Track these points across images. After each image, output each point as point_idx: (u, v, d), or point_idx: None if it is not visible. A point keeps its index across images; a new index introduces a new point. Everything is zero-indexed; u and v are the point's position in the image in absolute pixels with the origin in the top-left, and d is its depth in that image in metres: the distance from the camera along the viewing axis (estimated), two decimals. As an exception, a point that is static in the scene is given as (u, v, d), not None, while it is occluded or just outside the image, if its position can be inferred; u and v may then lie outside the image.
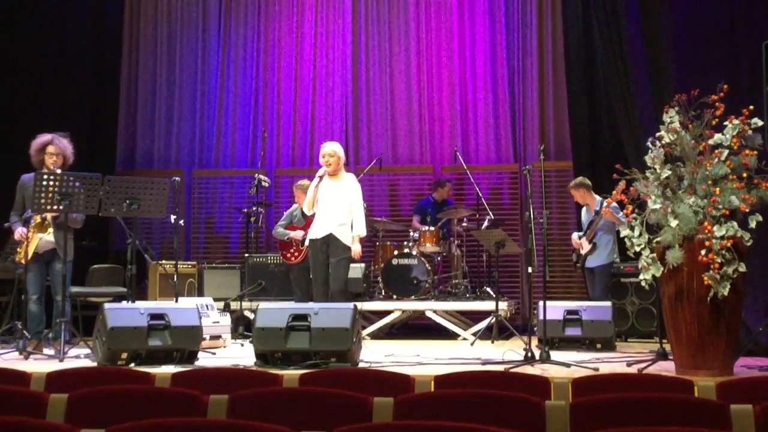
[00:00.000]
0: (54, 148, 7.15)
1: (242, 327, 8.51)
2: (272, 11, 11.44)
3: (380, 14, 11.18)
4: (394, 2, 11.17)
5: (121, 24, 11.21)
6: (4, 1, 9.88)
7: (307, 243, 7.66)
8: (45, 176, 6.70)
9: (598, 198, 8.35)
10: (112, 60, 11.01)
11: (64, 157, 7.21)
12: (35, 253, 7.03)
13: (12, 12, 10.00)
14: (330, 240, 7.41)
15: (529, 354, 6.22)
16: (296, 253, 8.55)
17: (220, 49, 11.45)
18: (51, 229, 7.00)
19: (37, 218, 6.94)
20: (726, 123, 5.68)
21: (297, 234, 8.57)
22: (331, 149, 7.56)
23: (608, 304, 7.71)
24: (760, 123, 5.68)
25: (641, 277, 5.79)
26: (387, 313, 9.06)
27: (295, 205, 9.10)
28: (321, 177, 7.49)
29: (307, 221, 8.41)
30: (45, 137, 7.21)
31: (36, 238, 6.99)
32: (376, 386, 4.15)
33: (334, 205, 7.45)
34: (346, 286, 7.50)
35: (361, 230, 7.56)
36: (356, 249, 7.50)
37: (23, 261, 6.98)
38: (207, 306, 7.79)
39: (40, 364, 6.03)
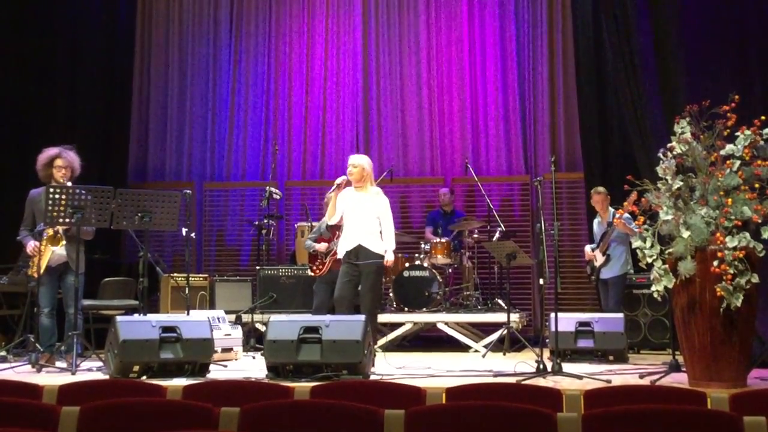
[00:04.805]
0: (62, 161, 7.19)
1: (254, 339, 8.51)
2: (283, 24, 11.48)
3: (390, 27, 11.21)
4: (405, 15, 11.20)
5: (132, 37, 11.26)
6: (15, 14, 9.95)
7: (340, 256, 7.63)
8: (56, 189, 6.74)
9: (611, 209, 8.34)
10: (124, 73, 11.06)
11: (72, 169, 7.25)
12: (48, 266, 7.06)
13: (24, 26, 10.06)
14: (359, 250, 7.38)
15: (541, 366, 6.20)
16: (320, 266, 8.51)
17: (231, 61, 11.49)
18: (63, 242, 7.03)
19: (50, 231, 6.96)
20: (738, 133, 5.67)
21: (321, 246, 8.54)
22: (356, 160, 7.54)
23: (620, 315, 7.68)
24: (772, 133, 5.66)
25: (653, 288, 5.77)
26: (398, 325, 9.05)
27: (324, 218, 9.06)
28: (339, 185, 7.48)
29: (332, 233, 8.39)
30: (52, 151, 7.25)
31: (49, 251, 7.01)
32: (388, 398, 4.14)
33: (362, 217, 7.43)
34: (375, 308, 7.43)
35: (392, 244, 7.52)
36: (390, 258, 7.42)
37: (36, 274, 7.02)
38: (218, 318, 7.80)
39: (52, 377, 6.04)
